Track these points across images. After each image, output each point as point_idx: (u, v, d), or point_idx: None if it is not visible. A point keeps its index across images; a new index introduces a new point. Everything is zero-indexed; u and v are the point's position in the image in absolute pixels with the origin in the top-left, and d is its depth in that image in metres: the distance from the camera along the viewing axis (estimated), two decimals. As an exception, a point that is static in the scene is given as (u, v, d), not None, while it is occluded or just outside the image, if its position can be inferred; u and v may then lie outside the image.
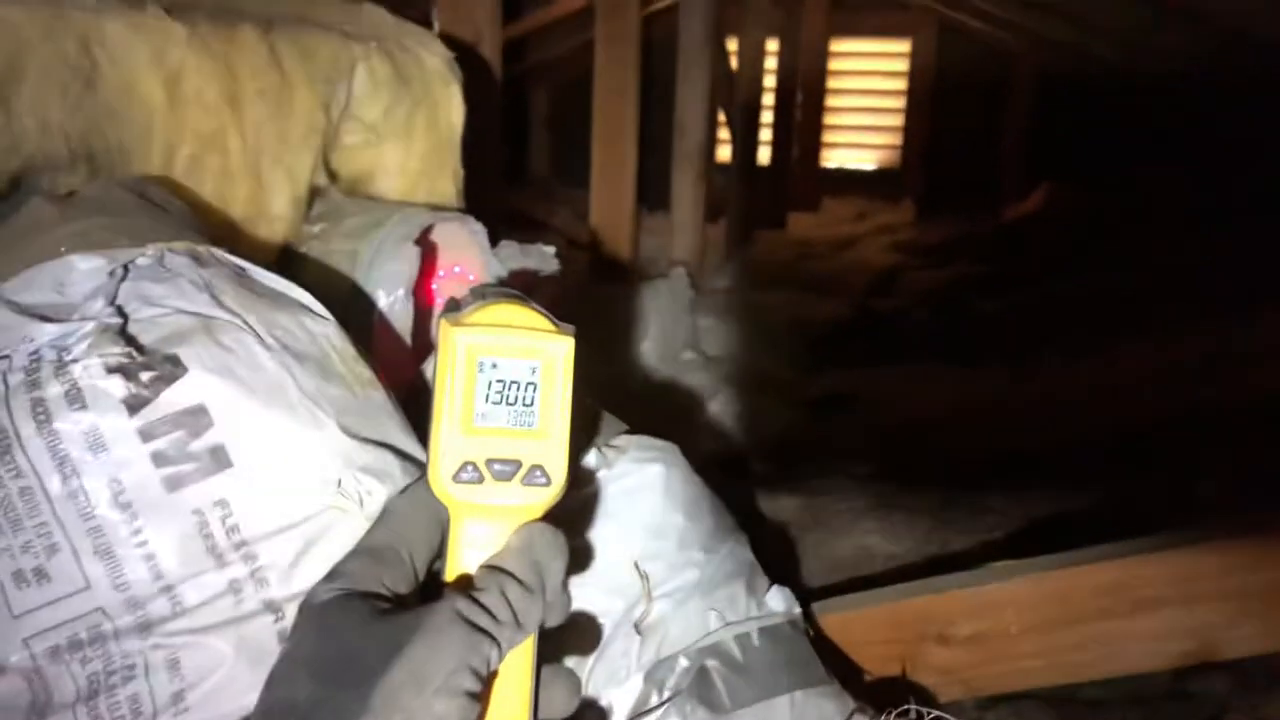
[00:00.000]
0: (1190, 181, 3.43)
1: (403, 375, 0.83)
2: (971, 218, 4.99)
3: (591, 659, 0.75)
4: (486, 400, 0.52)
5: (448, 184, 1.12)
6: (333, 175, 1.02)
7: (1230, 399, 1.81)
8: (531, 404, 0.53)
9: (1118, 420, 1.87)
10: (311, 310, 0.65)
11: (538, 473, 0.52)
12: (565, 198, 4.73)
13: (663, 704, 0.75)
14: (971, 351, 2.59)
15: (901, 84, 6.01)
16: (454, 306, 0.56)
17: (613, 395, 0.93)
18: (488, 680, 0.48)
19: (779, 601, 0.85)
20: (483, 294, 0.56)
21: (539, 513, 0.53)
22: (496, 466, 0.52)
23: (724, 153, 4.64)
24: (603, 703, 0.75)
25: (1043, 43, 4.75)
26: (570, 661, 0.74)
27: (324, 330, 0.64)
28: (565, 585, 0.53)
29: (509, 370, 0.52)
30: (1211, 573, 1.04)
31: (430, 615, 0.46)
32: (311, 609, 0.48)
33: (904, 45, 5.95)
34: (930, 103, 5.89)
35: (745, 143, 4.42)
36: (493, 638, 0.47)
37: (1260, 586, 1.03)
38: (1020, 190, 5.12)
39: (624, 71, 2.72)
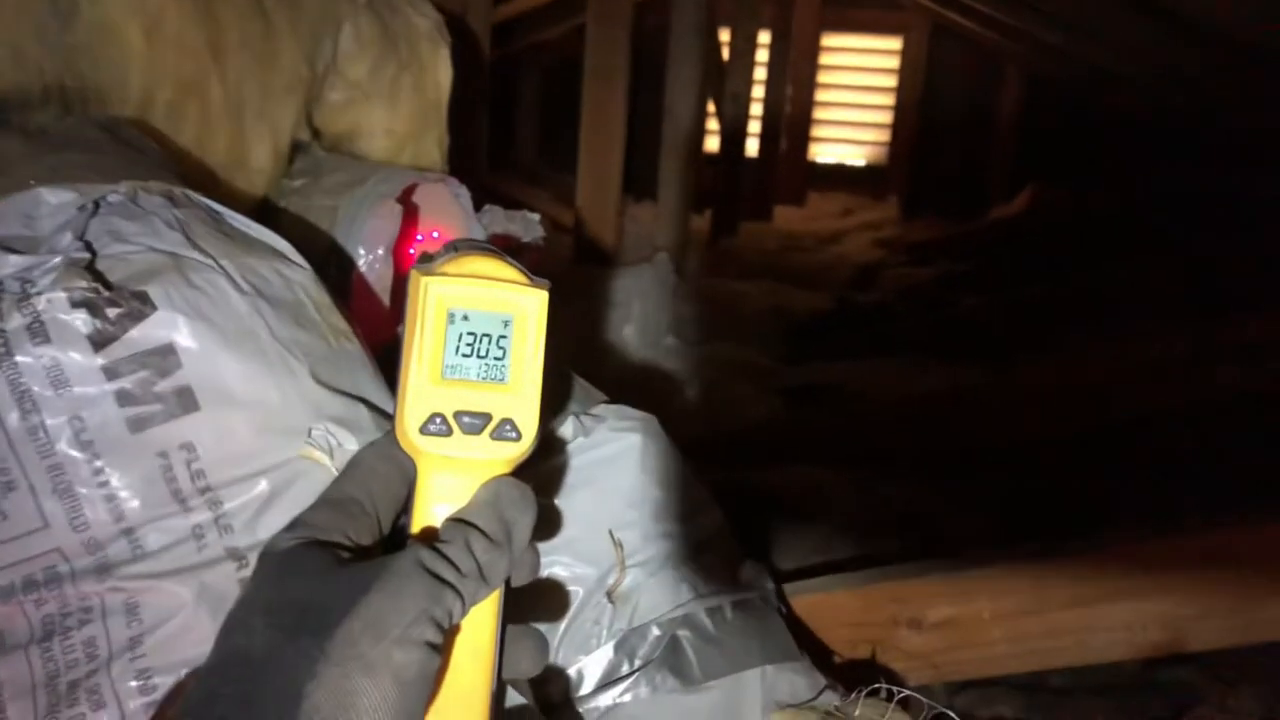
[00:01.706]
0: (1175, 185, 3.45)
1: (380, 335, 0.81)
2: (957, 217, 5.01)
3: (562, 626, 0.74)
4: (457, 352, 0.51)
5: (433, 148, 1.11)
6: (316, 132, 1.01)
7: (1207, 397, 1.82)
8: (503, 357, 0.51)
9: (1094, 415, 1.87)
10: (287, 257, 0.63)
11: (508, 427, 0.51)
12: (551, 182, 4.71)
13: (633, 673, 0.74)
14: (952, 346, 2.60)
15: (892, 81, 6.01)
16: (427, 259, 0.54)
17: (593, 376, 0.92)
18: (450, 634, 0.47)
19: (752, 576, 0.84)
20: (456, 246, 0.54)
21: (508, 467, 0.52)
22: (465, 419, 0.50)
23: (712, 143, 4.63)
24: (573, 670, 0.74)
25: (1034, 45, 4.76)
26: (540, 627, 0.73)
27: (299, 278, 0.62)
28: (532, 542, 0.52)
29: (480, 322, 0.51)
30: (1183, 565, 1.04)
31: (391, 564, 0.44)
32: (271, 557, 0.46)
33: (895, 43, 5.96)
34: (920, 101, 5.89)
35: (734, 134, 4.42)
36: (456, 590, 0.45)
37: (1230, 580, 1.03)
38: (1007, 191, 5.14)
39: (614, 55, 2.71)
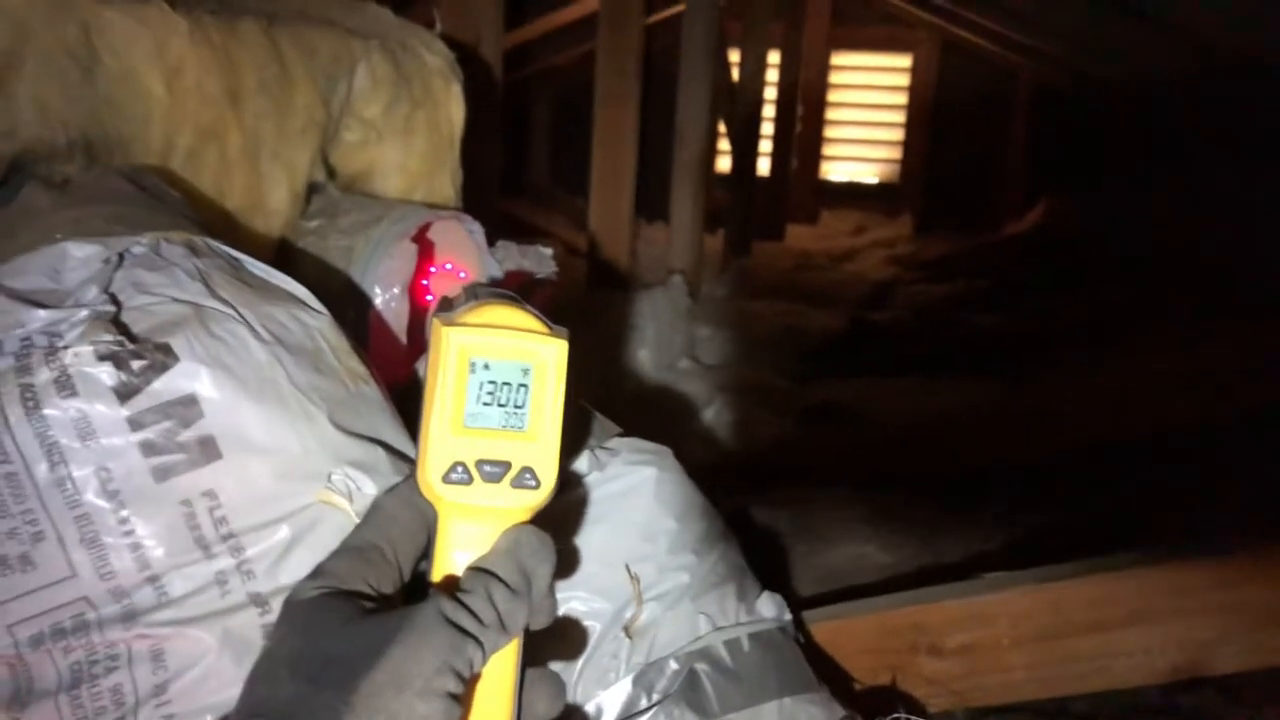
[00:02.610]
0: (1188, 198, 3.44)
1: (397, 373, 0.82)
2: (970, 233, 5.01)
3: (580, 661, 0.75)
4: (478, 401, 0.52)
5: (446, 184, 1.12)
6: (331, 172, 1.02)
7: (1222, 414, 1.81)
8: (523, 406, 0.52)
9: (1111, 433, 1.87)
10: (305, 303, 0.64)
11: (527, 475, 0.52)
12: (564, 205, 4.73)
13: (651, 707, 0.74)
14: (967, 364, 2.59)
15: (902, 99, 6.02)
16: (447, 305, 0.55)
17: (608, 401, 0.93)
18: (471, 682, 0.48)
19: (769, 607, 0.84)
20: (475, 294, 0.55)
21: (527, 515, 0.53)
22: (486, 468, 0.51)
23: (724, 164, 4.65)
24: (591, 705, 0.75)
25: (1043, 60, 4.76)
26: (557, 664, 0.74)
27: (317, 324, 0.64)
28: (551, 589, 0.52)
29: (501, 371, 0.52)
30: (1203, 587, 1.04)
31: (414, 616, 0.45)
32: (295, 607, 0.47)
33: (905, 60, 5.97)
34: (930, 118, 5.91)
35: (745, 154, 4.43)
36: (476, 640, 0.46)
37: (1250, 602, 1.03)
38: (1020, 205, 5.14)
39: (625, 78, 2.73)
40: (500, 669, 0.50)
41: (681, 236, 3.16)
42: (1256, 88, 2.61)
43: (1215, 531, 1.23)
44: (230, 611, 0.55)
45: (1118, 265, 3.38)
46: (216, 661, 0.54)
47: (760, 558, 0.92)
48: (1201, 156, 3.45)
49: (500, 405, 0.52)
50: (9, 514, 0.52)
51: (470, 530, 0.51)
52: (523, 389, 0.52)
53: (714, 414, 2.25)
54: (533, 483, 0.52)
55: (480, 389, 0.52)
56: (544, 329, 0.53)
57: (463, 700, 0.46)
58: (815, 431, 2.22)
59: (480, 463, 0.51)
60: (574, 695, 0.75)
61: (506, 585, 0.49)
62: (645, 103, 2.78)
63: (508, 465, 0.51)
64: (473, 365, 0.51)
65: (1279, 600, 1.03)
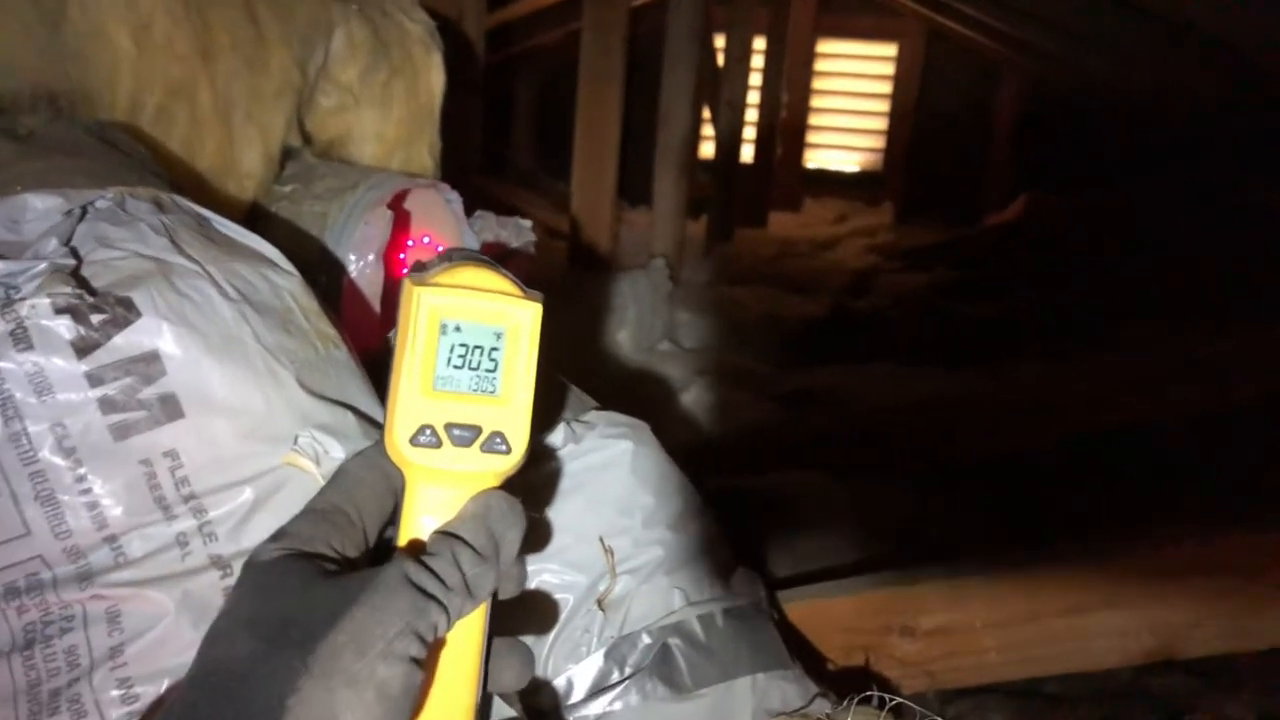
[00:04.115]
0: (1172, 194, 3.45)
1: (370, 341, 0.81)
2: (952, 224, 5.02)
3: (552, 634, 0.74)
4: (448, 363, 0.50)
5: (424, 154, 1.10)
6: (307, 138, 1.00)
7: (1199, 407, 1.82)
8: (495, 369, 0.51)
9: (1089, 422, 1.87)
10: (275, 263, 0.63)
11: (498, 440, 0.51)
12: (547, 188, 4.71)
13: (623, 681, 0.73)
14: (946, 354, 2.60)
15: (887, 88, 6.02)
16: (420, 268, 0.54)
17: (586, 382, 0.92)
18: (435, 648, 0.47)
19: (744, 584, 0.84)
20: (449, 257, 0.54)
21: (497, 480, 0.51)
22: (456, 431, 0.50)
23: (707, 149, 4.64)
24: (562, 678, 0.74)
25: (1030, 52, 4.77)
26: (528, 638, 0.73)
27: (287, 284, 0.62)
28: (521, 555, 0.51)
29: (472, 334, 0.51)
30: (1175, 573, 1.04)
31: (376, 577, 0.44)
32: (254, 568, 0.46)
33: (891, 49, 5.97)
34: (915, 108, 5.91)
35: (729, 140, 4.42)
36: (441, 604, 0.45)
37: (1223, 587, 1.03)
38: (1002, 197, 5.15)
39: (610, 61, 2.71)
40: (466, 636, 0.48)
41: (664, 221, 3.15)
42: (1260, 85, 2.61)
43: (1191, 518, 1.23)
44: (190, 574, 0.54)
45: (1100, 261, 3.39)
46: (175, 624, 0.53)
47: (737, 540, 0.92)
48: (1191, 157, 3.46)
49: (471, 368, 0.50)
50: (-40, 470, 0.50)
51: (438, 495, 0.50)
52: (495, 352, 0.51)
53: (693, 397, 2.24)
54: (503, 448, 0.51)
55: (451, 351, 0.50)
56: (518, 292, 0.52)
57: (426, 666, 0.45)
58: (794, 416, 2.22)
59: (450, 426, 0.50)
60: (545, 668, 0.74)
61: (474, 549, 0.47)
62: (630, 87, 2.76)
63: (478, 429, 0.50)
64: (444, 327, 0.50)
65: (1250, 585, 1.04)
